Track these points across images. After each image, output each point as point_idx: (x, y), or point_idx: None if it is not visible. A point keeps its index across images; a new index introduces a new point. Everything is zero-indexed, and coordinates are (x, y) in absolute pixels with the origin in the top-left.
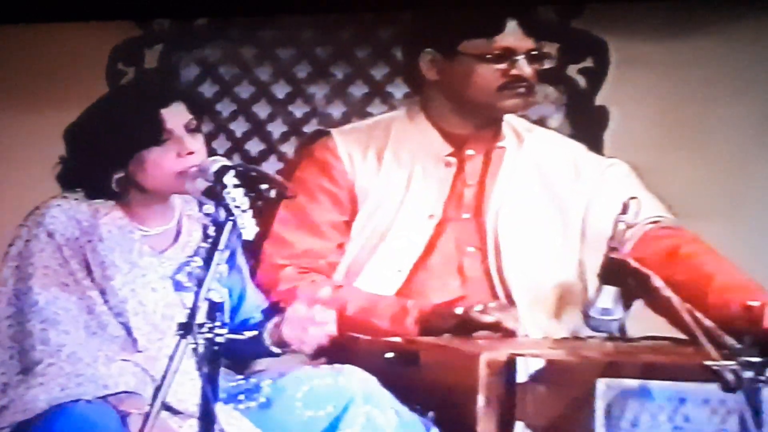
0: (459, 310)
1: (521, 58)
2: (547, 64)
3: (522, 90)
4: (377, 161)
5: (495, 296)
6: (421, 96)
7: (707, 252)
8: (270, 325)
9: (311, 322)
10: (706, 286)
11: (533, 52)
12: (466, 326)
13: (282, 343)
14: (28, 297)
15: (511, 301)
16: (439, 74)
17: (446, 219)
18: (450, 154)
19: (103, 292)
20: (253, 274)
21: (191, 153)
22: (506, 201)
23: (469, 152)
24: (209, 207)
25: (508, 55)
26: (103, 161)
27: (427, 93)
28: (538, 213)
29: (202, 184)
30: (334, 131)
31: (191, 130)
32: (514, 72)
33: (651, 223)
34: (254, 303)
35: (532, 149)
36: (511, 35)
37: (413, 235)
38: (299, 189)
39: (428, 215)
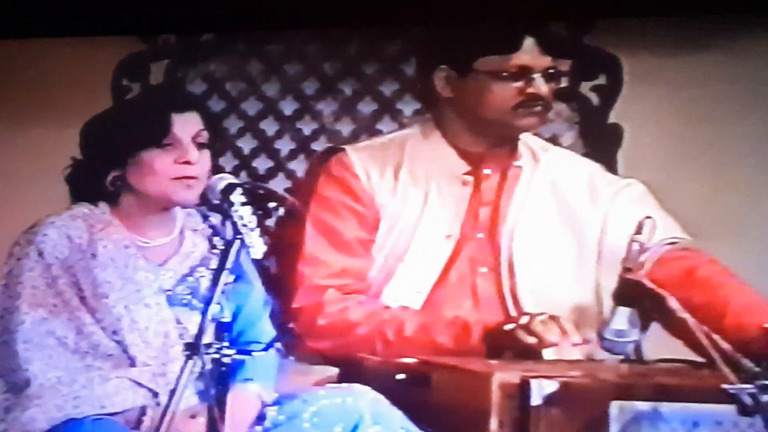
0: (509, 327)
1: (538, 77)
2: (564, 83)
3: (538, 109)
4: (394, 179)
5: (508, 317)
6: (435, 113)
7: (724, 274)
8: None
9: None
10: (723, 309)
11: (550, 71)
12: (514, 343)
13: None
14: (14, 316)
15: None
16: (453, 92)
17: (462, 238)
18: (467, 173)
19: (94, 311)
20: (291, 296)
21: (188, 162)
22: (521, 221)
23: (486, 171)
24: (214, 218)
25: (524, 73)
26: (105, 159)
27: (440, 110)
28: (553, 233)
29: (192, 196)
30: (348, 148)
31: (199, 144)
32: (530, 90)
33: (668, 244)
34: (261, 328)
35: (548, 169)
36: (528, 53)
37: (431, 255)
38: (323, 208)
39: (446, 235)
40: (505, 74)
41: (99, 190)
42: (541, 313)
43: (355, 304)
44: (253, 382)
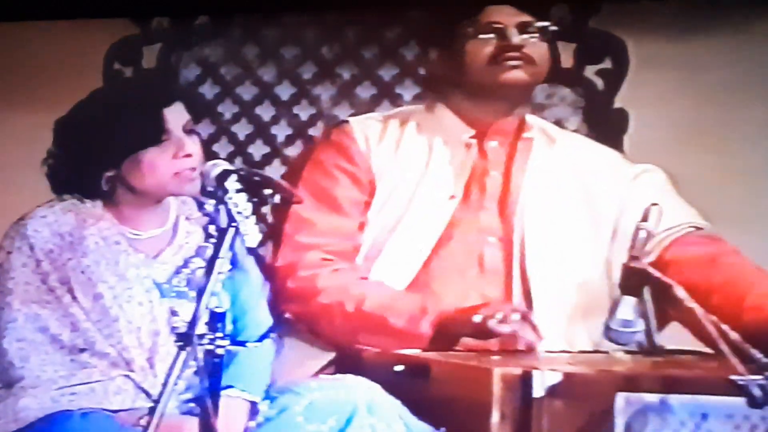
0: (477, 318)
1: (511, 30)
2: (543, 37)
3: (516, 62)
4: (395, 143)
5: (510, 291)
6: (438, 94)
7: (748, 263)
8: None
9: None
10: (745, 290)
11: (524, 23)
12: (481, 334)
13: None
14: (5, 312)
15: (528, 298)
16: (444, 67)
17: (468, 205)
18: (471, 137)
19: (87, 310)
20: (273, 257)
21: (188, 155)
22: (535, 195)
23: (492, 144)
24: (209, 206)
25: (496, 30)
26: (95, 159)
27: (441, 89)
28: (568, 212)
29: (196, 188)
30: (351, 118)
31: (188, 131)
32: (502, 43)
33: (692, 227)
34: (257, 318)
35: (566, 148)
36: (499, 12)
37: (433, 214)
38: (316, 170)
39: (449, 196)
40: (477, 34)
41: (90, 189)
42: (515, 309)
43: (329, 271)
44: (234, 388)
